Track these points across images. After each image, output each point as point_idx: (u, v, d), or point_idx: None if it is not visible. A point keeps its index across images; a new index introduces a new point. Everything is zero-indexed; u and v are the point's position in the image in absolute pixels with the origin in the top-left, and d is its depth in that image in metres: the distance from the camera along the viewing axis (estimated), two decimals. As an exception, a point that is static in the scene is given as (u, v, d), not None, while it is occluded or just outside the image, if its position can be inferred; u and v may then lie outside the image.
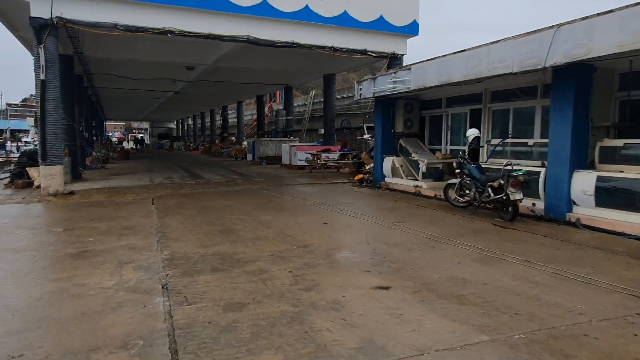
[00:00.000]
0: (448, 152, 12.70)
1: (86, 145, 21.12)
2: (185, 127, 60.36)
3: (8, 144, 42.54)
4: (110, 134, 65.20)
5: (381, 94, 12.71)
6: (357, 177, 14.36)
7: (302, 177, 16.28)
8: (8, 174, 15.47)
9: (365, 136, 22.67)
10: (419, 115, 13.57)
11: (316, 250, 6.03)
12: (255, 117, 42.60)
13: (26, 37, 15.00)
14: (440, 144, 13.06)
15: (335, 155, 18.66)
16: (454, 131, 12.66)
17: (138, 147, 41.41)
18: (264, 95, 30.05)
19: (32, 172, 13.78)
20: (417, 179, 12.21)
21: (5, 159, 26.54)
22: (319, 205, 9.99)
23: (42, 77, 11.49)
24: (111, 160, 26.21)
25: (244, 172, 18.41)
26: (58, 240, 6.72)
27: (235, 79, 23.27)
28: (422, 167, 11.89)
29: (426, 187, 11.69)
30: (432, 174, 12.14)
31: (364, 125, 22.89)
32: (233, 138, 36.15)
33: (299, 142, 22.52)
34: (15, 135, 58.38)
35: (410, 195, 11.78)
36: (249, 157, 25.19)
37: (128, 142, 64.40)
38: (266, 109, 33.90)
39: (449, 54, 9.94)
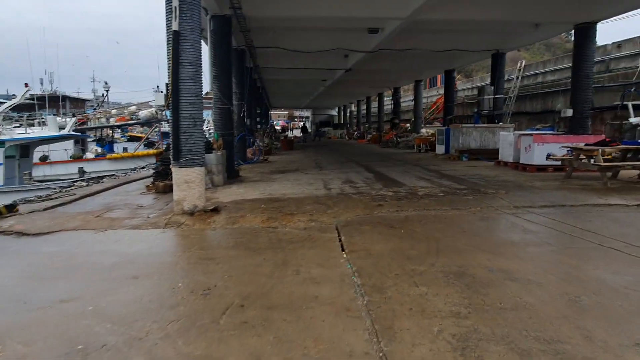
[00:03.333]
0: None
1: (248, 135, 17.68)
2: (348, 114, 56.71)
3: None
4: (275, 123, 65.08)
5: None
6: None
7: (566, 186, 9.73)
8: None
9: (632, 120, 14.94)
10: None
11: None
12: (432, 100, 36.22)
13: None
14: None
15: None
16: None
17: (302, 135, 38.62)
18: (454, 70, 23.54)
19: (175, 171, 10.07)
20: None
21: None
22: None
23: (175, 26, 7.23)
24: (274, 151, 22.91)
25: (452, 173, 12.51)
26: None
27: (428, 46, 17.44)
28: None
29: None
30: None
31: (629, 104, 14.98)
32: (407, 125, 30.42)
33: (518, 130, 15.70)
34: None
35: None
36: (439, 149, 19.20)
37: (291, 129, 63.75)
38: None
39: None
